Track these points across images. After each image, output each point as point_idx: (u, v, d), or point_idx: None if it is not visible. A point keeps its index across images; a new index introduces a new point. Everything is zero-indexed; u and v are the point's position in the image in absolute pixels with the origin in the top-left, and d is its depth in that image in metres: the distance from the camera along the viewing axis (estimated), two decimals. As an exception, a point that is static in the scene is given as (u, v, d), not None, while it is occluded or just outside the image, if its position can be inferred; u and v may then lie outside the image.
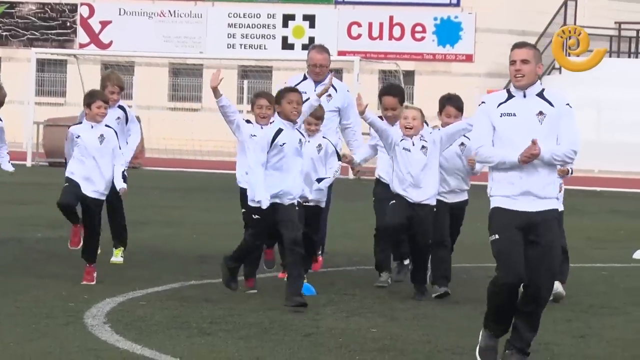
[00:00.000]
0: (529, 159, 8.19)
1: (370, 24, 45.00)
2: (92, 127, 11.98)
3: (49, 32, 48.73)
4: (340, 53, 43.31)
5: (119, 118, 13.87)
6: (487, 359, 8.38)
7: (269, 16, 45.93)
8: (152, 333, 10.21)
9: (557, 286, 11.12)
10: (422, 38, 44.66)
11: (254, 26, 46.53)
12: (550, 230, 8.28)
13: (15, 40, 48.63)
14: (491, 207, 8.36)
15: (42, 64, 45.39)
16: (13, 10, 48.66)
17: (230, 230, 15.04)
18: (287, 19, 45.74)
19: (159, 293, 12.37)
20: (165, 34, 46.79)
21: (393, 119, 12.10)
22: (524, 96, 8.42)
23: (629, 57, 47.54)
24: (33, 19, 48.65)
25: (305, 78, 13.70)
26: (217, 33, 46.48)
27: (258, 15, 46.20)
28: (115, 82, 14.10)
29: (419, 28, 44.60)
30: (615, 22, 48.58)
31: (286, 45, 45.70)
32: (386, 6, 45.40)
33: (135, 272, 13.63)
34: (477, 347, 8.49)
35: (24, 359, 8.86)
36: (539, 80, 8.65)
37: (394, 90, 12.84)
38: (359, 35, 45.17)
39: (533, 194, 8.29)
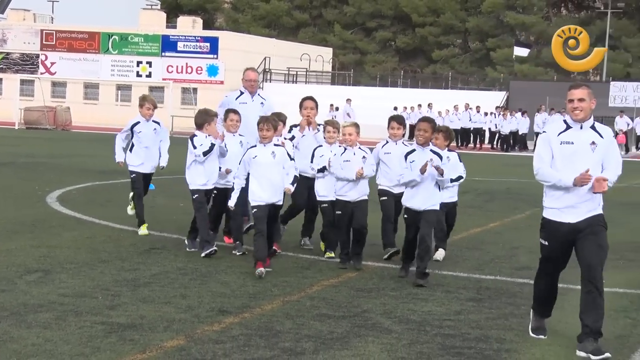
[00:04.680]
0: (584, 184, 7.52)
1: (176, 66, 64.04)
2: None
3: (25, 66, 66.77)
4: (164, 79, 63.08)
5: (155, 129, 13.01)
6: (540, 334, 8.03)
7: (131, 61, 65.04)
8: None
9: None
10: (201, 72, 63.97)
11: (123, 65, 65.30)
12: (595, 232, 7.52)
13: (9, 70, 66.67)
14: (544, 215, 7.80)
15: (22, 82, 63.64)
16: (8, 56, 66.92)
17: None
18: (139, 62, 64.99)
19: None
20: (81, 68, 65.37)
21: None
22: (581, 128, 7.65)
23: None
24: (18, 60, 67.00)
25: (242, 93, 12.79)
26: (105, 68, 65.40)
27: (125, 60, 65.09)
28: (151, 102, 12.93)
29: (199, 68, 63.95)
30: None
31: (138, 75, 64.86)
32: (183, 58, 63.86)
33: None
34: (530, 327, 8.17)
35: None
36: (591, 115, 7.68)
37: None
38: (171, 72, 63.94)
39: (578, 207, 7.64)
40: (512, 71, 73.66)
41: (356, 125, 11.26)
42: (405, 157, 10.41)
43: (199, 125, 11.67)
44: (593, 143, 7.69)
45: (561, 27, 79.90)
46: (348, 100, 51.73)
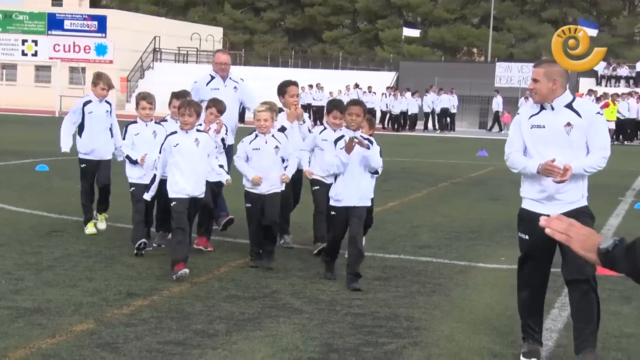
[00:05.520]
0: (558, 180, 6.44)
1: (64, 45, 62.35)
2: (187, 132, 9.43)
3: None
4: (51, 58, 61.49)
5: (107, 111, 11.63)
6: (532, 358, 6.71)
7: (15, 40, 63.38)
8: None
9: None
10: (89, 52, 62.50)
11: (8, 44, 63.65)
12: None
13: None
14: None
15: None
16: None
17: None
18: (24, 41, 63.40)
19: None
20: None
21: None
22: (552, 109, 6.60)
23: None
24: None
25: (212, 78, 11.79)
26: None
27: (9, 39, 63.31)
28: (106, 82, 11.55)
29: (87, 47, 62.39)
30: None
31: (23, 54, 63.50)
32: (70, 37, 62.50)
33: None
34: (521, 352, 6.81)
35: None
36: (567, 92, 6.63)
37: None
38: (59, 50, 62.02)
39: (557, 198, 6.58)
40: (400, 51, 74.37)
41: (272, 110, 10.03)
42: (335, 143, 9.37)
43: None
44: (568, 124, 6.60)
45: (446, 8, 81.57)
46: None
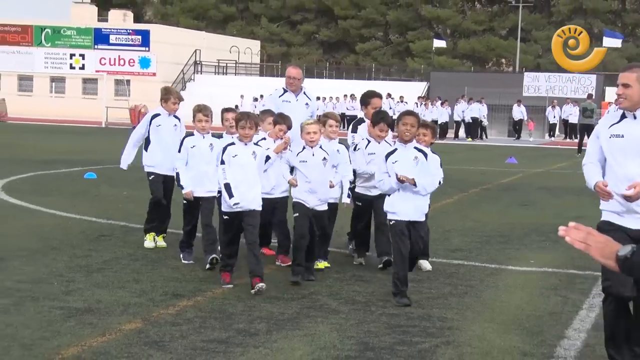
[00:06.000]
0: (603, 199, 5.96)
1: (109, 58, 63.68)
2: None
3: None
4: (97, 71, 62.61)
5: (175, 125, 10.98)
6: None
7: (64, 54, 64.35)
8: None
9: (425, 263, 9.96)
10: (133, 65, 63.79)
11: (56, 58, 64.59)
12: None
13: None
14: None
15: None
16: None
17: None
18: (72, 55, 64.45)
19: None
20: (16, 60, 64.77)
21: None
22: (634, 117, 6.01)
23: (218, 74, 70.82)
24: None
25: (285, 91, 11.37)
26: (39, 60, 64.72)
27: (58, 53, 64.29)
28: (177, 96, 11.04)
29: (132, 61, 63.73)
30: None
31: (71, 67, 64.58)
32: (116, 51, 63.68)
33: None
34: None
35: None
36: None
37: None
38: (104, 64, 63.55)
39: (638, 211, 5.97)
40: (430, 62, 74.34)
41: (319, 123, 9.72)
42: (386, 158, 8.69)
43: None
44: None
45: (475, 20, 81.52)
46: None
